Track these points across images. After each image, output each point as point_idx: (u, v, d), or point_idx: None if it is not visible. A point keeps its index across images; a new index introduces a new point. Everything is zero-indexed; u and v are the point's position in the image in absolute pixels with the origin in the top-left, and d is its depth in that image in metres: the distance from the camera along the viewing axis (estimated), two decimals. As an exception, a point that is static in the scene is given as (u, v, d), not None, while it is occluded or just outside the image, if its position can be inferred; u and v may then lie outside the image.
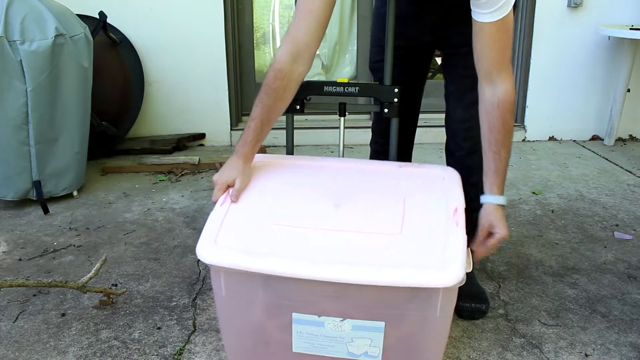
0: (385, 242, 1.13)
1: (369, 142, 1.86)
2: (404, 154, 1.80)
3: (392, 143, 1.57)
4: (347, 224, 1.18)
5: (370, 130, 1.88)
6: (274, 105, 1.34)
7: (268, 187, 1.32)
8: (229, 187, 1.29)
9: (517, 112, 3.47)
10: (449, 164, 1.71)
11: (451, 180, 1.34)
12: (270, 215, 1.21)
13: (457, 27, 1.51)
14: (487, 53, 1.29)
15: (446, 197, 1.26)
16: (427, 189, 1.30)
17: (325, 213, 1.21)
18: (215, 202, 1.27)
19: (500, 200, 1.36)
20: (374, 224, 1.18)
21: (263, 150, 3.13)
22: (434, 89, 3.54)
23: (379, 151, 1.76)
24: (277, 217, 1.20)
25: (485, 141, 1.36)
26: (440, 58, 1.76)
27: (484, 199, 1.37)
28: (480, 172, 1.62)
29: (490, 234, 1.35)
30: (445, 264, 1.07)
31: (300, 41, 1.31)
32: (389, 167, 1.42)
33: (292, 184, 1.33)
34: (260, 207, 1.24)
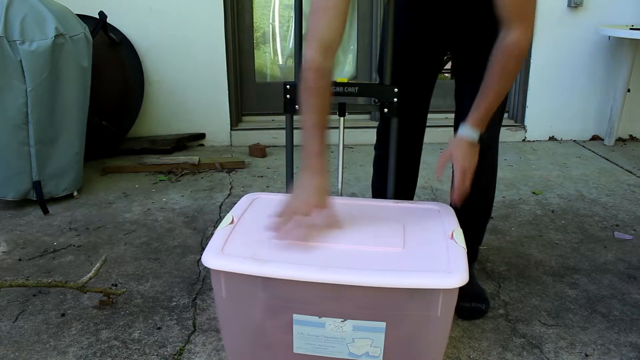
0: (388, 253, 1.18)
1: (367, 142, 1.85)
2: (412, 159, 1.80)
3: (391, 143, 1.57)
4: (350, 241, 1.22)
5: (368, 130, 1.87)
6: (324, 105, 1.29)
7: (272, 214, 1.35)
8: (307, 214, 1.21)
9: (517, 112, 3.48)
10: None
11: (446, 213, 1.39)
12: (274, 234, 1.24)
13: (472, 31, 1.51)
14: (504, 1, 1.24)
15: (443, 224, 1.32)
16: (424, 218, 1.36)
17: (329, 233, 1.24)
18: (282, 238, 1.18)
19: (470, 133, 1.35)
20: (377, 241, 1.22)
21: (263, 150, 3.13)
22: (434, 89, 3.55)
23: (384, 156, 1.75)
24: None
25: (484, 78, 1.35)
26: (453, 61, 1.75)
27: (459, 129, 1.38)
28: (489, 174, 1.63)
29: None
30: (448, 268, 1.11)
31: (325, 39, 1.28)
32: (386, 203, 1.47)
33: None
34: (264, 228, 1.27)
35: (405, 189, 1.80)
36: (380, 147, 1.77)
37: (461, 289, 1.11)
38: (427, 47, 1.61)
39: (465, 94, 1.62)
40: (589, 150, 3.28)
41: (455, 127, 1.68)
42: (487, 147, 1.52)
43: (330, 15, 1.27)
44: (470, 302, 1.58)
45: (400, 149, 1.64)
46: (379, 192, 1.82)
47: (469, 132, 1.35)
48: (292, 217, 1.20)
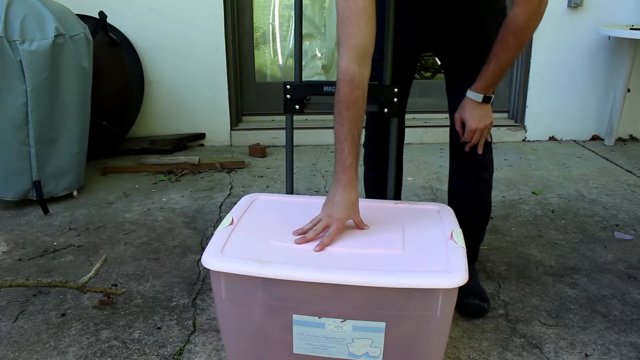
0: (388, 253, 1.18)
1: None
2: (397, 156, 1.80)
3: (392, 143, 1.57)
4: (350, 242, 1.22)
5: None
6: (359, 117, 1.30)
7: (272, 216, 1.37)
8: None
9: (517, 112, 3.48)
10: (458, 162, 1.68)
11: (445, 213, 1.39)
12: (274, 235, 1.25)
13: (457, 29, 1.52)
14: None
15: (442, 225, 1.32)
16: (424, 219, 1.36)
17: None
18: (328, 244, 1.22)
19: (473, 95, 1.48)
20: (377, 242, 1.23)
21: (263, 150, 3.13)
22: (434, 89, 3.55)
23: (374, 152, 1.75)
24: (281, 237, 1.24)
25: None
26: (440, 61, 1.76)
27: (466, 93, 1.50)
28: (490, 168, 1.64)
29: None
30: (448, 268, 1.12)
31: (360, 47, 1.28)
32: (386, 204, 1.47)
33: (293, 213, 1.37)
34: (264, 229, 1.29)
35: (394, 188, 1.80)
36: (371, 142, 1.76)
37: (464, 286, 1.11)
38: (412, 46, 1.62)
39: (455, 87, 1.63)
40: (589, 150, 3.28)
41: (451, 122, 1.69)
42: (486, 143, 1.55)
43: (362, 21, 1.26)
44: (474, 299, 1.58)
45: (385, 147, 1.63)
46: (372, 189, 1.81)
47: (472, 95, 1.48)
48: (322, 231, 1.23)
